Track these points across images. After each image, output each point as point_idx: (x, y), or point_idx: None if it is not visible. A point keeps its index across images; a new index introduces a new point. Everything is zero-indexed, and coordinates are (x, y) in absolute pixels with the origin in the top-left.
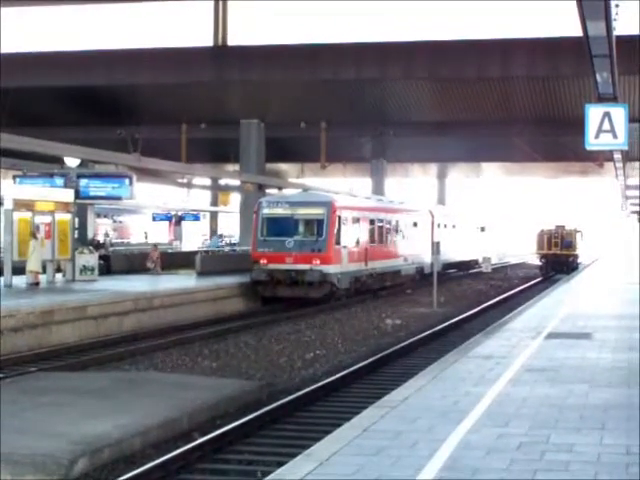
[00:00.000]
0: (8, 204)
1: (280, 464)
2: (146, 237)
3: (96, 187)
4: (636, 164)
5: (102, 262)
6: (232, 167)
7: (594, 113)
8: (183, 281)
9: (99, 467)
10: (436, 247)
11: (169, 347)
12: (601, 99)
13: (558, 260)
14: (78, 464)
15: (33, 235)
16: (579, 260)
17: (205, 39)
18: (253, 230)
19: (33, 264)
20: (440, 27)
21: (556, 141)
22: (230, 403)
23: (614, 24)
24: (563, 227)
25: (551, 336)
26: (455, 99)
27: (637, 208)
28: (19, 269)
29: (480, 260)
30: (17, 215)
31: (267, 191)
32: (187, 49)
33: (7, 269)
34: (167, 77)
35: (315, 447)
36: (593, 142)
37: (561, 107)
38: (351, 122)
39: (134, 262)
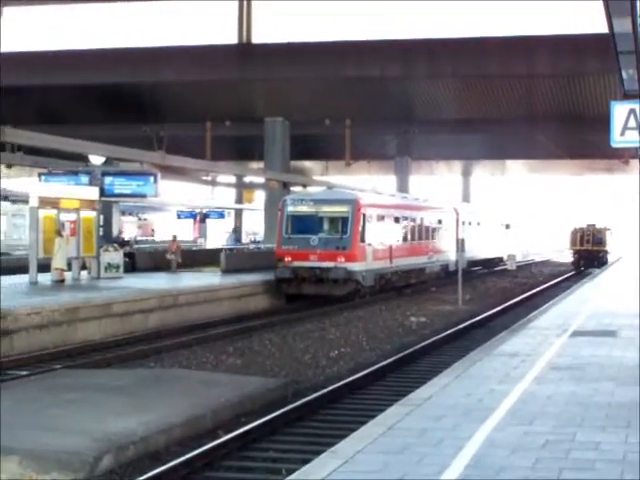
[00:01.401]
0: (33, 202)
1: (305, 462)
2: (153, 234)
3: (121, 185)
4: None
5: (127, 259)
6: (257, 165)
7: (619, 110)
8: (208, 278)
9: (124, 464)
10: (461, 244)
11: (193, 344)
12: (627, 96)
13: (590, 255)
14: (103, 461)
15: (58, 233)
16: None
17: (230, 37)
18: (278, 228)
19: (58, 261)
20: (464, 25)
21: (581, 138)
22: (255, 401)
23: None
24: (594, 225)
25: (576, 334)
26: (479, 96)
27: None
28: (44, 266)
29: (505, 258)
30: (42, 213)
31: (291, 189)
32: (212, 47)
33: (32, 266)
34: (192, 75)
35: (340, 445)
36: (619, 139)
37: (586, 104)
38: (375, 120)
39: (159, 260)
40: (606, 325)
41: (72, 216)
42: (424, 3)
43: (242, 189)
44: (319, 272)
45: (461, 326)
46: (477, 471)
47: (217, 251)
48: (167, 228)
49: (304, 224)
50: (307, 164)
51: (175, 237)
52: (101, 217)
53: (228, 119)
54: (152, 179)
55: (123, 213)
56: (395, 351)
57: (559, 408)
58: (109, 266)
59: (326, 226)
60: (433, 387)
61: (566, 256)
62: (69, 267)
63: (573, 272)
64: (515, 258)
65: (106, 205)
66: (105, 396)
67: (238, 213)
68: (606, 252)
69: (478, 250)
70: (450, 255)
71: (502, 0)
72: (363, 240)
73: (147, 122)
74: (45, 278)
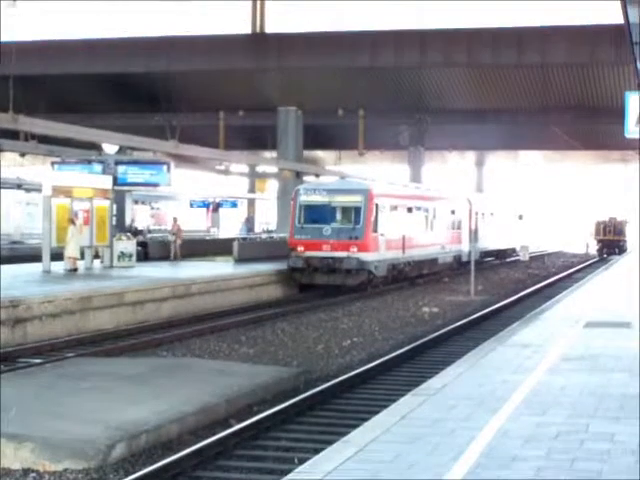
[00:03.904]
0: (47, 190)
1: (317, 451)
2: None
3: (134, 174)
4: None
5: (140, 248)
6: (269, 154)
7: (634, 101)
8: (220, 268)
9: (137, 453)
10: (474, 235)
11: (206, 334)
12: None
13: (611, 244)
14: (116, 449)
15: (71, 221)
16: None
17: (243, 26)
18: (291, 217)
19: (71, 250)
20: (479, 14)
21: (595, 129)
22: (267, 390)
23: None
24: (615, 218)
25: (589, 325)
26: (493, 86)
27: None
28: (57, 255)
29: (518, 248)
30: (55, 201)
31: (304, 178)
32: (225, 36)
33: (46, 255)
34: (205, 64)
35: (353, 434)
36: (633, 130)
37: (600, 95)
38: (389, 109)
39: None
40: (619, 316)
41: (85, 205)
42: None
43: (255, 179)
44: (332, 262)
45: (474, 316)
46: (490, 461)
47: (230, 240)
48: (181, 217)
49: (317, 214)
50: (320, 154)
51: (176, 219)
52: (114, 206)
53: (241, 108)
54: (165, 168)
55: (136, 202)
56: (408, 341)
57: (572, 399)
58: (122, 255)
59: (339, 216)
60: (446, 377)
61: (579, 247)
62: (82, 256)
63: (588, 262)
64: (528, 249)
65: (119, 194)
66: (118, 384)
67: (251, 203)
68: (625, 241)
69: (491, 241)
70: (463, 246)
71: None
72: (376, 230)
73: (160, 111)
74: (58, 267)
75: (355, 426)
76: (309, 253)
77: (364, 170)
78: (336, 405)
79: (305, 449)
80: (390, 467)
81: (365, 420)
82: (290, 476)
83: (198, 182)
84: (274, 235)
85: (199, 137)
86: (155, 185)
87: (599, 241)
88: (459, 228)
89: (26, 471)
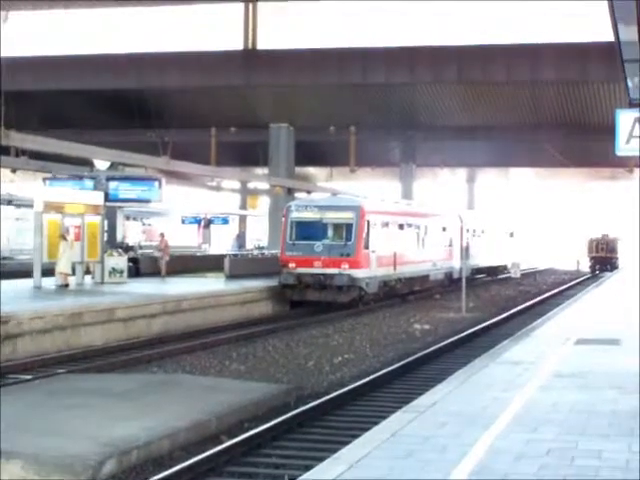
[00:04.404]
0: (38, 206)
1: (308, 468)
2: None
3: (125, 190)
4: None
5: (131, 264)
6: (261, 171)
7: (625, 118)
8: (211, 284)
9: (127, 469)
10: (465, 252)
11: (197, 350)
12: (632, 104)
13: (604, 261)
14: (106, 466)
15: (63, 237)
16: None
17: (235, 43)
18: (282, 234)
19: (62, 266)
20: (469, 31)
21: (585, 146)
22: (258, 406)
23: None
24: (607, 235)
25: (580, 342)
26: (484, 103)
27: None
28: (48, 271)
29: (509, 265)
30: (47, 217)
31: (296, 195)
32: (217, 53)
33: (36, 271)
34: (197, 81)
35: (344, 450)
36: (623, 147)
37: (591, 112)
38: (380, 126)
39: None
40: (609, 333)
41: (77, 221)
42: (429, 9)
43: (246, 195)
44: (323, 278)
45: (465, 333)
46: (481, 478)
47: (221, 257)
48: (172, 233)
49: (308, 230)
50: (312, 170)
51: (163, 235)
52: (105, 222)
53: (233, 125)
54: (157, 184)
55: (128, 218)
56: (399, 358)
57: (563, 416)
58: (113, 271)
59: (330, 232)
60: (437, 394)
61: (571, 264)
62: (73, 272)
63: (579, 279)
64: (519, 266)
65: (111, 210)
66: (109, 401)
67: (242, 219)
68: (617, 258)
69: (482, 258)
70: (454, 262)
71: (508, 6)
72: (367, 247)
73: (152, 127)
74: (49, 282)
75: (346, 443)
76: (300, 269)
77: (356, 187)
78: (327, 422)
79: (296, 466)
80: None
81: (356, 437)
82: None
83: (190, 198)
84: (265, 251)
85: (191, 153)
86: (146, 201)
87: (592, 258)
88: (450, 245)
89: None
